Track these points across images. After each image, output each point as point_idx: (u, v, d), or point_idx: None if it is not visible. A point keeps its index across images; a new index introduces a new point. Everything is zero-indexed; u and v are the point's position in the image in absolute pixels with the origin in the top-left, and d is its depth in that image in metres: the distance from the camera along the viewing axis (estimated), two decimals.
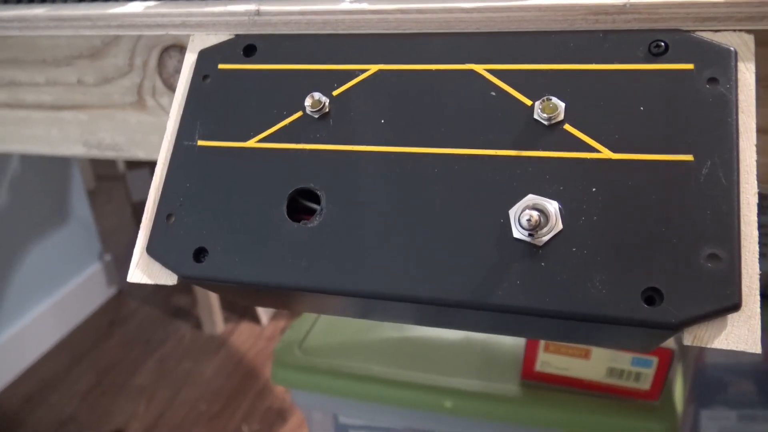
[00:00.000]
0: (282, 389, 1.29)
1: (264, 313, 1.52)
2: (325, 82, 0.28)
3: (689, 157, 0.22)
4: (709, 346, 0.21)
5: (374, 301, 0.25)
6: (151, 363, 1.44)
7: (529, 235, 0.22)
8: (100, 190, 1.74)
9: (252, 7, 0.30)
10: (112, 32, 0.33)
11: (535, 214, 0.22)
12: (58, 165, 1.48)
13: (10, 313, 1.39)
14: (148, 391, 1.36)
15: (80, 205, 1.56)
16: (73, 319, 1.55)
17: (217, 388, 1.35)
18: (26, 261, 1.41)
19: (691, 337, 0.21)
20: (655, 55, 0.24)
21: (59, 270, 1.51)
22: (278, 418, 1.26)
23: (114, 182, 1.77)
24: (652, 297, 0.21)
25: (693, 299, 0.21)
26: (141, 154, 0.42)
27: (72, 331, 1.54)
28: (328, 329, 0.75)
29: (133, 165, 1.75)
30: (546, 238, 0.22)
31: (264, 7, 0.30)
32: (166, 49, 0.37)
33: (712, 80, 0.23)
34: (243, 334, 1.50)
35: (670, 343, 0.59)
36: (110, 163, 1.68)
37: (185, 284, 0.27)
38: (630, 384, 0.61)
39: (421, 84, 0.27)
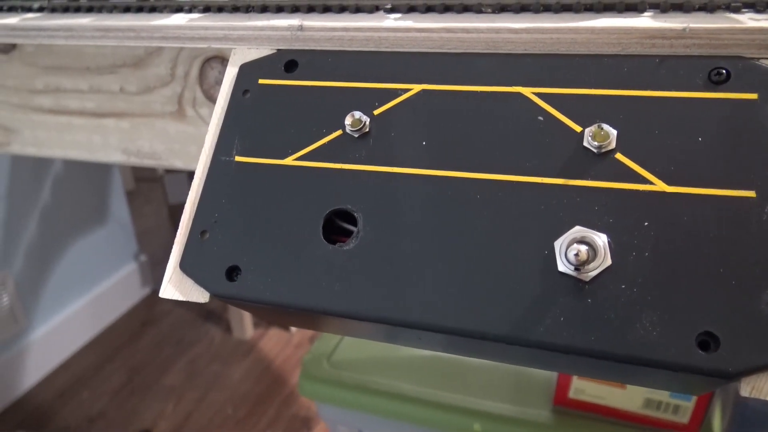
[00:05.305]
0: None
1: None
2: (367, 100, 0.27)
3: (751, 194, 0.21)
4: None
5: (406, 329, 0.24)
6: (181, 364, 1.45)
7: (576, 269, 0.21)
8: (139, 191, 1.77)
9: (295, 22, 0.29)
10: (155, 44, 0.33)
11: (583, 249, 0.21)
12: (99, 166, 1.51)
13: (47, 309, 1.42)
14: (176, 392, 1.37)
15: (119, 206, 1.59)
16: (106, 317, 1.58)
17: (245, 392, 1.35)
18: (64, 259, 1.44)
19: (749, 387, 0.20)
20: (716, 83, 0.23)
21: (96, 268, 1.54)
22: (303, 426, 1.26)
23: (152, 184, 1.80)
24: (706, 342, 0.20)
25: (752, 347, 0.19)
26: (179, 164, 0.42)
27: (105, 329, 1.56)
28: (357, 343, 0.74)
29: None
30: (593, 273, 0.21)
31: (307, 23, 0.29)
32: (207, 60, 0.37)
33: None
34: (272, 340, 1.50)
35: None
36: None
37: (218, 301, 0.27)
38: (668, 416, 0.59)
39: (466, 105, 0.26)
